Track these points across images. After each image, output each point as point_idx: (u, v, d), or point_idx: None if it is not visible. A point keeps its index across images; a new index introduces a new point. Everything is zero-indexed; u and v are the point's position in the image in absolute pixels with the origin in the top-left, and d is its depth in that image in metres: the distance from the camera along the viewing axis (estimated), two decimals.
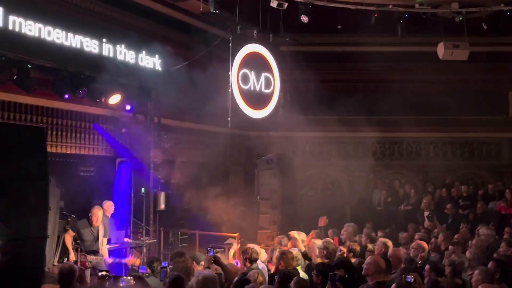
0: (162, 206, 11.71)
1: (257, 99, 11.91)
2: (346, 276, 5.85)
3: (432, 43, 12.22)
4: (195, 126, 13.33)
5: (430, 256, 7.95)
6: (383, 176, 16.04)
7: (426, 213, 12.72)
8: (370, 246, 8.14)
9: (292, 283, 5.32)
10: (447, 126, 15.59)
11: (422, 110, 15.50)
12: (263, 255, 8.00)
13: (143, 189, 11.65)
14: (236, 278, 5.85)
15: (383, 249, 7.58)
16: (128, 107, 11.20)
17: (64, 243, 10.51)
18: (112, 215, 10.42)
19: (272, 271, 7.04)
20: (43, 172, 7.02)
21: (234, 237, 11.57)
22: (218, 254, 6.71)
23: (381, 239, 8.20)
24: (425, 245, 7.78)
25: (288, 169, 12.65)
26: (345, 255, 7.59)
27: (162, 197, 11.70)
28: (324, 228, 10.61)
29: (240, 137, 14.46)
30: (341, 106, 14.14)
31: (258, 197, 13.17)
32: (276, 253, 7.09)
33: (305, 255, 8.03)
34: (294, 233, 8.85)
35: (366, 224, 11.72)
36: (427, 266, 6.34)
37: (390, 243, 7.92)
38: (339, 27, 14.61)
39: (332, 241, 8.10)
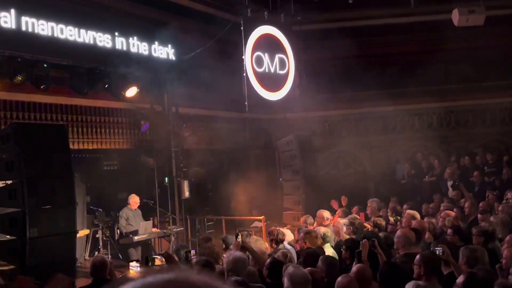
0: (186, 194, 11.81)
1: (273, 81, 11.86)
2: (372, 249, 5.85)
3: (446, 11, 11.97)
4: (213, 113, 13.34)
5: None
6: (405, 150, 15.89)
7: (449, 183, 12.59)
8: (391, 219, 8.13)
9: (320, 261, 5.33)
10: (468, 94, 15.33)
11: (440, 80, 15.25)
12: (289, 236, 8.03)
13: (166, 178, 11.75)
14: (268, 260, 5.89)
15: (411, 222, 7.55)
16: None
17: (93, 237, 10.73)
18: (138, 206, 10.58)
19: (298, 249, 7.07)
20: (67, 169, 7.12)
21: (260, 220, 11.66)
22: (244, 238, 6.74)
23: (409, 211, 8.18)
24: (452, 214, 7.73)
25: (309, 149, 12.62)
26: (369, 228, 7.59)
27: (185, 185, 11.80)
28: (345, 207, 10.60)
29: (258, 121, 14.44)
30: (357, 82, 13.99)
31: (280, 179, 13.19)
32: (301, 233, 7.10)
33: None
34: (321, 212, 8.85)
35: (391, 199, 11.67)
36: (449, 230, 6.32)
37: (417, 215, 7.90)
38: (350, 1, 14.40)
39: (357, 216, 8.09)
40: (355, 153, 16.10)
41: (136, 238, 9.93)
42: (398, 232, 5.99)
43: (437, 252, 5.03)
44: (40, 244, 6.60)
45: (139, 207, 10.56)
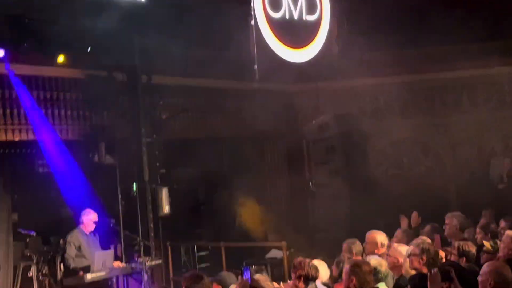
0: (166, 209, 11.84)
1: (297, 33, 11.82)
2: None
3: None
4: (206, 84, 13.33)
5: None
6: (506, 136, 15.78)
7: None
8: (486, 243, 8.06)
9: None
10: None
11: None
12: (323, 271, 8.03)
13: (134, 185, 11.79)
14: None
15: None
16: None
17: (24, 275, 10.81)
18: (93, 230, 10.62)
19: None
20: None
21: (279, 248, 11.65)
22: (257, 276, 6.76)
23: (509, 232, 8.12)
24: None
25: (355, 137, 12.57)
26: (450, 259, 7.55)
27: (164, 195, 11.82)
28: (415, 229, 10.56)
29: (275, 94, 14.39)
30: (431, 32, 13.88)
31: (311, 183, 13.17)
32: (345, 266, 7.08)
33: None
34: (374, 234, 8.83)
35: (483, 212, 11.61)
36: None
37: None
38: None
39: (429, 240, 8.03)
40: (427, 142, 16.03)
41: (89, 277, 9.95)
42: (486, 267, 5.92)
43: None
44: None
45: (95, 229, 10.59)
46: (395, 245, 8.50)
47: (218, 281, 7.27)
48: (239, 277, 6.73)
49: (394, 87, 15.49)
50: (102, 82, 11.65)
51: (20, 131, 10.87)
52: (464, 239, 8.85)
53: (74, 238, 10.40)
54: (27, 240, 11.36)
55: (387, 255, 8.12)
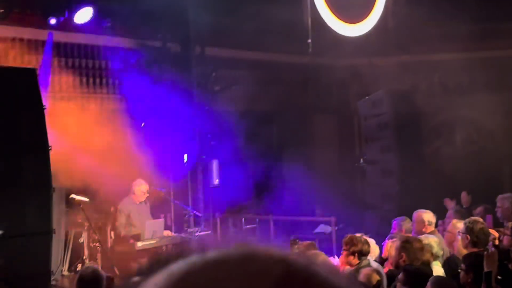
0: (216, 181, 11.92)
1: (352, 6, 11.72)
2: (499, 277, 5.77)
3: None
4: (258, 56, 13.33)
5: None
6: None
7: None
8: None
9: (429, 284, 5.31)
10: None
11: None
12: (374, 248, 8.04)
13: (186, 156, 11.87)
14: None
15: None
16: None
17: (75, 242, 10.99)
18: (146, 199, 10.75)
19: (388, 269, 7.04)
20: (41, 136, 7.27)
21: (328, 223, 11.66)
22: (309, 251, 6.80)
23: None
24: None
25: (408, 113, 12.46)
26: (496, 242, 7.45)
27: (215, 167, 11.90)
28: (468, 209, 10.48)
29: (327, 69, 14.33)
30: (491, 6, 13.65)
31: (362, 159, 13.13)
32: (395, 243, 7.08)
33: None
34: (421, 213, 8.81)
35: None
36: None
37: None
38: None
39: (480, 220, 7.97)
40: (482, 121, 15.79)
41: (140, 244, 10.12)
42: None
43: None
44: None
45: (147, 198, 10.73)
46: (454, 221, 8.46)
47: None
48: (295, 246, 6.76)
49: (450, 64, 15.28)
50: (156, 52, 11.74)
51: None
52: None
53: (124, 206, 10.53)
54: (80, 206, 11.54)
55: (444, 231, 8.10)
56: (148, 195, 10.69)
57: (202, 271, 0.59)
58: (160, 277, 0.60)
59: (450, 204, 11.86)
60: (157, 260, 0.62)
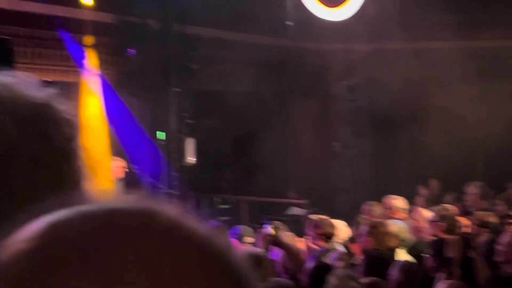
0: (192, 158, 11.91)
1: None
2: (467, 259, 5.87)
3: None
4: (239, 37, 13.30)
5: None
6: None
7: None
8: None
9: (398, 269, 5.39)
10: None
11: None
12: (343, 231, 8.10)
13: (159, 133, 11.86)
14: (313, 264, 5.98)
15: None
16: None
17: None
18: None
19: (356, 254, 7.12)
20: None
21: (300, 205, 11.72)
22: (279, 231, 6.85)
23: None
24: None
25: (383, 99, 12.52)
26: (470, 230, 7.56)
27: (190, 145, 11.89)
28: (437, 196, 10.57)
29: (306, 52, 14.33)
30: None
31: (336, 143, 13.18)
32: (363, 227, 7.16)
33: None
34: (391, 199, 8.90)
35: (510, 183, 11.57)
36: None
37: None
38: None
39: (452, 208, 8.07)
40: (457, 110, 15.87)
41: None
42: (506, 237, 5.95)
43: None
44: None
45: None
46: (419, 209, 8.56)
47: (234, 234, 7.38)
48: (261, 231, 6.82)
49: (428, 53, 15.35)
50: (135, 28, 11.69)
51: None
52: (485, 209, 8.88)
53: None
54: None
55: (410, 218, 8.19)
56: (125, 170, 10.68)
57: (67, 222, 0.62)
58: (30, 227, 0.62)
59: (423, 191, 11.93)
60: (39, 208, 0.65)
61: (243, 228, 7.61)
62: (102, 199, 0.65)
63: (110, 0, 11.27)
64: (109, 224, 0.60)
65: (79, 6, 10.90)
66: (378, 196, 9.57)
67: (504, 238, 6.02)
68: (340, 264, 6.25)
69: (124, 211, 0.62)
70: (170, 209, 0.62)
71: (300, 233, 9.67)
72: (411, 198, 9.73)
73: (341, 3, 11.86)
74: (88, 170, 1.20)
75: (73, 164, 1.12)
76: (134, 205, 0.62)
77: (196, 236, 0.62)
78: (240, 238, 7.28)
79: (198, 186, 12.55)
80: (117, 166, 10.59)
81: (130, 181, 11.16)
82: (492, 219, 7.86)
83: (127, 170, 10.69)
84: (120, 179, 10.69)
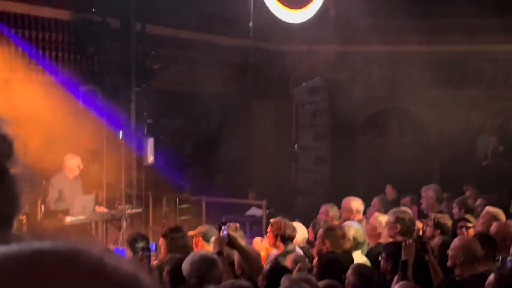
0: (151, 158, 11.86)
1: None
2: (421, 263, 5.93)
3: None
4: (199, 37, 13.27)
5: None
6: (494, 114, 15.84)
7: None
8: (469, 217, 8.13)
9: (350, 271, 5.42)
10: None
11: None
12: (301, 233, 8.11)
13: (121, 132, 11.80)
14: (268, 266, 5.97)
15: (492, 224, 7.58)
16: None
17: None
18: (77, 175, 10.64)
19: (315, 257, 7.14)
20: None
21: (259, 206, 11.72)
22: (234, 233, 6.83)
23: (489, 208, 8.20)
24: None
25: (344, 102, 12.58)
26: (420, 233, 7.63)
27: (150, 145, 11.84)
28: (392, 201, 10.64)
29: (268, 54, 14.37)
30: (431, 2, 13.83)
31: (296, 145, 13.22)
32: (320, 230, 7.17)
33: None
34: (350, 201, 8.93)
35: (465, 187, 11.71)
36: None
37: (502, 215, 7.91)
38: None
39: (408, 210, 8.13)
40: (415, 114, 16.05)
41: (68, 219, 10.04)
42: (457, 242, 6.04)
43: None
44: None
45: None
46: (376, 213, 8.60)
47: (199, 233, 7.35)
48: (218, 232, 6.79)
49: (387, 56, 15.48)
50: (95, 26, 11.61)
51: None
52: (441, 212, 8.97)
53: (57, 181, 10.40)
54: None
55: (367, 223, 8.23)
56: (82, 167, 10.59)
57: None
58: None
59: (390, 190, 11.95)
60: None
61: (208, 228, 7.56)
62: (28, 238, 0.65)
63: None
64: (34, 265, 0.59)
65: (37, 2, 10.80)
66: (336, 198, 9.62)
67: (454, 243, 6.09)
68: (297, 266, 6.26)
69: (49, 251, 0.61)
70: (94, 248, 0.62)
71: (259, 234, 9.69)
72: (369, 200, 9.79)
73: (303, 6, 11.88)
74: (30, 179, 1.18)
75: (9, 181, 1.10)
76: (59, 245, 0.62)
77: (120, 275, 0.61)
78: (206, 237, 7.24)
79: (158, 186, 12.49)
80: (72, 164, 10.48)
81: (89, 180, 11.08)
82: (447, 222, 7.94)
83: (81, 167, 10.58)
84: (76, 178, 10.59)
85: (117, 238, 10.78)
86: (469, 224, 7.82)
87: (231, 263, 6.38)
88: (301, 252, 7.25)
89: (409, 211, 8.22)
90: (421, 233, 7.63)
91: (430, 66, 15.83)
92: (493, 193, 10.99)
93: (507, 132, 15.14)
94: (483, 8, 13.53)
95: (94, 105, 11.46)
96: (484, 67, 15.85)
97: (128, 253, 6.78)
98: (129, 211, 11.11)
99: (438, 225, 7.82)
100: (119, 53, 11.92)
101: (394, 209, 8.03)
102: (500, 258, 5.81)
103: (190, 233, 7.19)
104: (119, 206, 11.27)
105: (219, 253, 6.03)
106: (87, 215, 10.38)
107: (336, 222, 8.34)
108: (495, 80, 15.87)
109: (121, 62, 11.92)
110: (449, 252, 5.96)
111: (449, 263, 5.92)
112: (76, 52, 11.72)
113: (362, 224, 8.18)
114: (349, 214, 8.63)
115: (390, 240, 7.35)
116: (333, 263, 5.76)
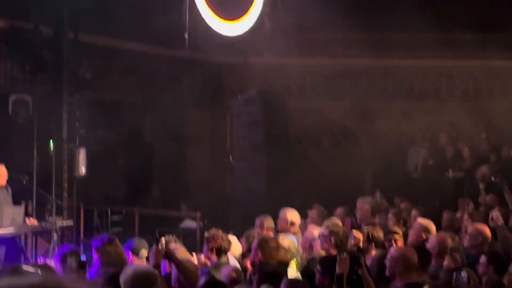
0: (83, 170, 11.71)
1: (230, 5, 11.77)
2: (356, 276, 5.96)
3: None
4: (134, 47, 13.19)
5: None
6: (424, 127, 16.13)
7: (481, 186, 12.90)
8: (397, 229, 8.24)
9: (283, 285, 5.40)
10: None
11: (490, 26, 15.33)
12: (235, 246, 8.08)
13: (51, 142, 11.60)
14: (203, 280, 5.93)
15: (422, 235, 7.71)
16: None
17: None
18: (5, 184, 10.38)
19: (248, 268, 7.11)
20: None
21: (193, 218, 11.67)
22: (171, 245, 6.78)
23: (420, 221, 8.33)
24: (486, 230, 7.93)
25: (278, 114, 12.65)
26: (361, 244, 7.69)
27: (82, 156, 11.68)
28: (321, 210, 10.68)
29: (203, 65, 14.36)
30: (363, 16, 14.02)
31: (231, 156, 13.21)
32: (254, 241, 7.16)
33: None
34: (286, 212, 8.96)
35: (395, 199, 11.88)
36: (483, 258, 6.49)
37: (432, 227, 8.05)
38: None
39: (340, 223, 8.19)
40: (347, 125, 16.24)
41: None
42: (393, 252, 6.12)
43: (463, 279, 5.20)
44: None
45: (8, 185, 10.38)
46: (310, 226, 8.64)
47: (129, 247, 7.26)
48: (153, 244, 6.71)
49: (321, 69, 15.65)
50: (27, 34, 11.40)
51: None
52: (373, 223, 9.07)
53: None
54: None
55: (302, 234, 8.26)
56: (6, 177, 10.33)
57: None
58: None
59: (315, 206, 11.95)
60: None
61: (138, 241, 7.48)
62: None
63: (1, 4, 10.93)
64: None
65: None
66: (272, 209, 9.63)
67: (391, 253, 6.18)
68: (232, 279, 6.23)
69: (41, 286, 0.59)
70: (66, 282, 0.60)
71: (193, 247, 9.63)
72: (303, 212, 9.82)
73: (238, 18, 11.93)
74: None
75: None
76: (29, 281, 0.60)
77: None
78: (135, 251, 7.15)
79: (89, 197, 12.32)
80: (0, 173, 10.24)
81: (16, 191, 10.84)
82: (379, 234, 8.02)
83: (7, 177, 10.33)
84: (4, 187, 10.35)
85: (47, 250, 10.55)
86: (397, 236, 7.94)
87: (168, 276, 6.33)
88: (237, 264, 7.23)
89: (339, 223, 8.30)
90: (361, 245, 7.72)
91: (363, 79, 16.07)
92: (425, 205, 11.16)
93: (435, 145, 15.43)
94: (414, 23, 13.80)
95: (23, 114, 11.28)
96: (415, 81, 16.18)
97: (60, 267, 6.65)
98: (59, 223, 10.90)
99: (372, 239, 7.90)
100: (51, 61, 11.72)
101: (327, 222, 8.09)
102: (454, 273, 5.88)
103: None
104: (49, 218, 11.05)
105: (156, 265, 5.97)
106: (17, 227, 10.13)
107: (271, 233, 8.37)
108: (425, 93, 16.21)
109: (53, 70, 11.71)
110: (387, 263, 6.03)
111: (387, 273, 5.99)
112: (7, 60, 11.49)
113: (297, 236, 8.22)
114: (285, 225, 8.65)
115: (323, 253, 7.40)
116: (270, 275, 5.74)
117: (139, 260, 6.97)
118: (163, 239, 6.55)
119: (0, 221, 9.95)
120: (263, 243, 6.76)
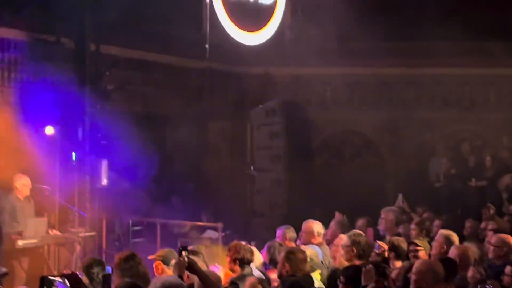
0: (104, 181, 11.76)
1: (251, 15, 11.81)
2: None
3: None
4: (155, 58, 13.24)
5: None
6: (447, 136, 16.07)
7: (504, 195, 12.83)
8: (419, 242, 8.17)
9: None
10: None
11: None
12: (257, 256, 8.08)
13: (74, 154, 11.67)
14: None
15: (445, 246, 7.63)
16: None
17: None
18: (29, 195, 10.46)
19: (272, 280, 7.10)
20: None
21: (215, 229, 11.67)
22: (193, 257, 6.78)
23: (442, 231, 8.26)
24: (511, 240, 7.87)
25: (299, 124, 12.64)
26: (385, 254, 7.66)
27: (104, 167, 11.74)
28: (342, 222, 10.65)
29: (224, 75, 14.39)
30: (385, 27, 14.00)
31: (252, 167, 13.21)
32: (281, 253, 7.16)
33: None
34: (311, 224, 8.92)
35: (417, 209, 11.82)
36: (508, 268, 6.44)
37: (455, 237, 7.98)
38: None
39: (362, 233, 8.16)
40: (369, 136, 16.19)
41: (21, 243, 9.84)
42: (419, 264, 6.06)
43: None
44: None
45: (30, 196, 10.45)
46: (341, 235, 8.60)
47: (159, 257, 7.26)
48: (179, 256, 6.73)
49: (342, 79, 15.63)
50: (49, 46, 11.50)
51: None
52: (399, 234, 9.01)
53: (8, 203, 10.22)
54: None
55: (332, 245, 8.23)
56: (31, 187, 10.42)
57: None
58: None
59: (339, 216, 11.90)
60: None
61: (168, 251, 7.48)
62: None
63: (24, 17, 11.05)
64: None
65: None
66: (293, 220, 9.61)
67: (418, 267, 6.11)
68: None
69: None
70: None
71: (215, 257, 9.63)
72: (324, 223, 9.79)
73: (259, 28, 11.97)
74: None
75: None
76: None
77: None
78: (166, 261, 7.15)
79: (111, 208, 12.36)
80: (21, 185, 10.31)
81: (41, 202, 10.92)
82: (403, 245, 7.98)
83: (31, 187, 10.42)
84: (28, 199, 10.42)
85: (70, 261, 10.61)
86: (418, 248, 7.87)
87: (191, 286, 6.33)
88: (261, 275, 7.22)
89: (363, 234, 8.26)
90: (386, 254, 7.68)
91: (385, 88, 16.03)
92: (448, 215, 11.10)
93: (458, 154, 15.36)
94: (436, 32, 13.78)
95: (48, 124, 11.36)
96: (437, 90, 16.12)
97: (84, 279, 6.67)
98: (82, 234, 10.95)
99: (393, 248, 7.86)
100: (73, 73, 11.80)
101: (349, 233, 8.05)
102: (479, 286, 5.84)
103: (150, 257, 7.08)
104: (72, 229, 11.11)
105: (179, 277, 5.98)
106: (40, 238, 10.20)
107: (293, 244, 8.34)
108: (447, 102, 16.15)
109: (76, 82, 11.80)
110: (412, 276, 5.97)
111: (412, 286, 5.93)
112: (31, 73, 11.58)
113: (321, 247, 8.19)
114: (310, 237, 8.60)
115: (346, 263, 7.38)
116: (296, 286, 5.73)
117: (169, 270, 6.95)
118: (184, 251, 6.56)
119: (24, 233, 10.04)
120: (291, 255, 6.77)
